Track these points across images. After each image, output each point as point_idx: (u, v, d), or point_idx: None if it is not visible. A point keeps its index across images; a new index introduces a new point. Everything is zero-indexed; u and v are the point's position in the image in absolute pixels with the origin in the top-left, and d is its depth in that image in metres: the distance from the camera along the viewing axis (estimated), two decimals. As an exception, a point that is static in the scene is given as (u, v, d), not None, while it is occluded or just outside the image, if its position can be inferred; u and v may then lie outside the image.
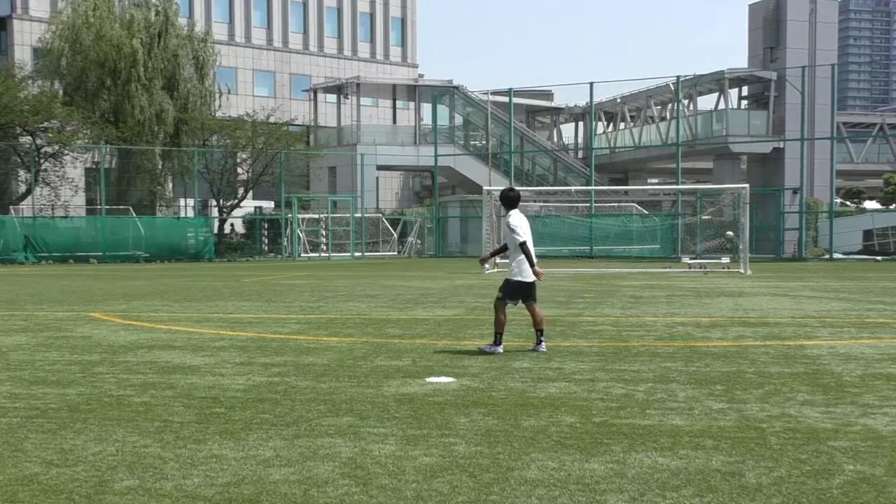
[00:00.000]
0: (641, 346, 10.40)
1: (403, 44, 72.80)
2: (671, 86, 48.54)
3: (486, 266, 24.14)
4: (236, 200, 48.72)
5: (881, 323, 13.08)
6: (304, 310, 15.45)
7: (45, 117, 41.92)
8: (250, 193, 50.18)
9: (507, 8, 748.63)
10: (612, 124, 59.49)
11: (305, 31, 67.97)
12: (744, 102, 52.19)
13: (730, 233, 24.26)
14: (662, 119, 54.18)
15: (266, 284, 23.02)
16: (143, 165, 45.86)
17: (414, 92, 57.91)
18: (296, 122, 53.09)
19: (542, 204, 49.36)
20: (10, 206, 42.96)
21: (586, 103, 52.38)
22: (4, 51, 55.75)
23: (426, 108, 57.07)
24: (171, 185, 49.50)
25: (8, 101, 40.59)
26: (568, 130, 65.20)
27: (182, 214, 47.82)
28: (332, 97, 60.46)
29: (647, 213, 46.61)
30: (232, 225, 49.70)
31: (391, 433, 6.01)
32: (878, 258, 40.77)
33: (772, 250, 42.90)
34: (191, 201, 47.59)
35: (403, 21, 72.73)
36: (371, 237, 48.63)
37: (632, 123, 56.94)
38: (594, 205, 46.61)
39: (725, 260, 30.76)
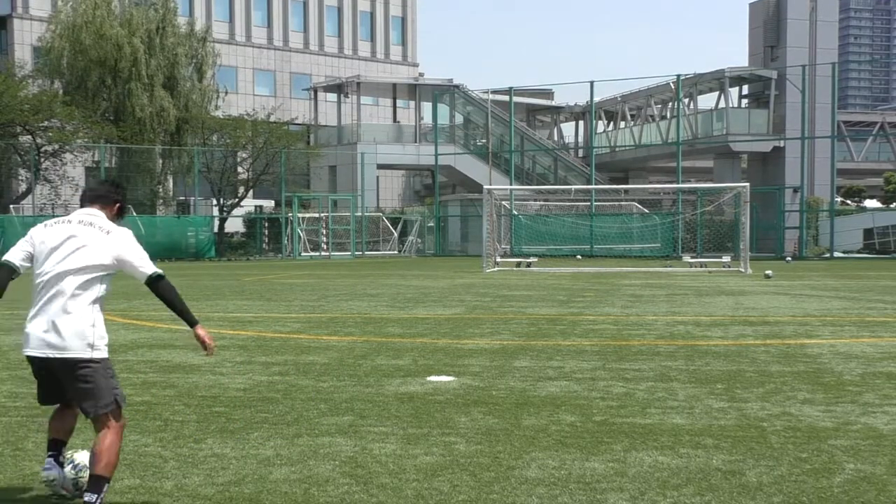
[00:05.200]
0: (642, 345, 10.39)
1: (404, 43, 72.76)
2: (671, 84, 48.49)
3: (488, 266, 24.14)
4: (237, 199, 48.70)
5: (882, 321, 13.07)
6: (305, 309, 15.45)
7: (46, 116, 41.87)
8: (251, 192, 50.15)
9: (508, 7, 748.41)
10: (612, 123, 59.45)
11: (306, 30, 67.94)
12: (744, 101, 52.14)
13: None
14: (663, 118, 54.12)
15: (266, 283, 23.01)
16: (143, 164, 45.85)
17: (414, 91, 57.84)
18: (296, 122, 52.94)
19: (542, 203, 49.36)
20: (11, 206, 42.95)
21: (587, 102, 52.37)
22: (5, 50, 55.72)
23: (426, 107, 56.98)
24: (171, 184, 49.44)
25: (8, 100, 40.53)
26: (568, 129, 65.19)
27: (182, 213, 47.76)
28: (333, 96, 60.38)
29: (647, 211, 46.60)
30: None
31: (392, 432, 6.00)
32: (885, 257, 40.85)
33: (772, 249, 42.88)
34: (191, 200, 47.48)
35: (404, 20, 72.69)
36: (371, 236, 48.57)
37: (632, 122, 56.89)
38: (594, 204, 46.59)
39: (726, 259, 30.76)
